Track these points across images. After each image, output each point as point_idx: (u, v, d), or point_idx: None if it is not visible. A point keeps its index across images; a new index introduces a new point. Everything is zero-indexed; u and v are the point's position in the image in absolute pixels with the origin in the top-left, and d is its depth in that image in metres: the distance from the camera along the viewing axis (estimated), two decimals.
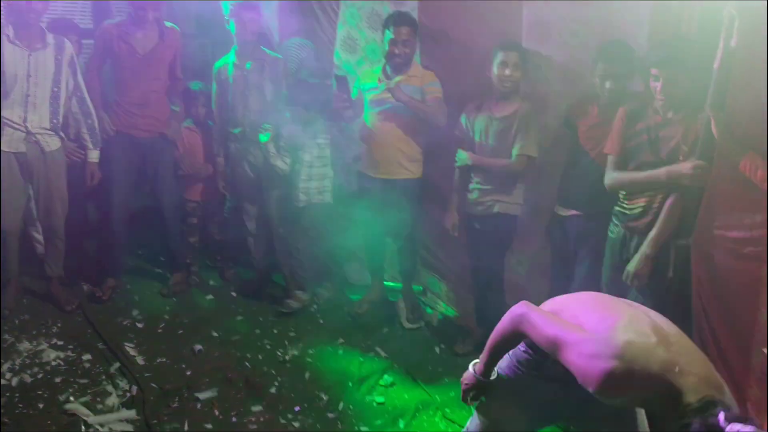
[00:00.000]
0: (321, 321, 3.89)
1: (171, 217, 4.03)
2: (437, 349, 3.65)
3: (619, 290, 2.73)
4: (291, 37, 4.17)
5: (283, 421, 2.96)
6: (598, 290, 2.95)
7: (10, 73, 3.30)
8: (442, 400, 3.18)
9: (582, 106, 3.05)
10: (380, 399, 3.16)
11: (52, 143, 3.50)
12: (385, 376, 3.33)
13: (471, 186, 3.41)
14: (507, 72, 3.15)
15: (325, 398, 3.14)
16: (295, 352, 3.53)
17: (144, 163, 3.89)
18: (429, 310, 4.02)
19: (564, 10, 3.06)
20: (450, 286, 3.98)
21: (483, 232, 3.41)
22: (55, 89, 3.44)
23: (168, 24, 3.81)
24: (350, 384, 3.26)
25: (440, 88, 3.52)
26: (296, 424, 2.95)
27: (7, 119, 3.36)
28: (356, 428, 2.94)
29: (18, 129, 3.39)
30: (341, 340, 3.67)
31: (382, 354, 3.56)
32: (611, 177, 2.75)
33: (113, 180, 3.83)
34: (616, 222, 2.81)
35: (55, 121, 3.48)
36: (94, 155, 3.67)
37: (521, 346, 1.82)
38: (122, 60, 3.70)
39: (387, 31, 3.50)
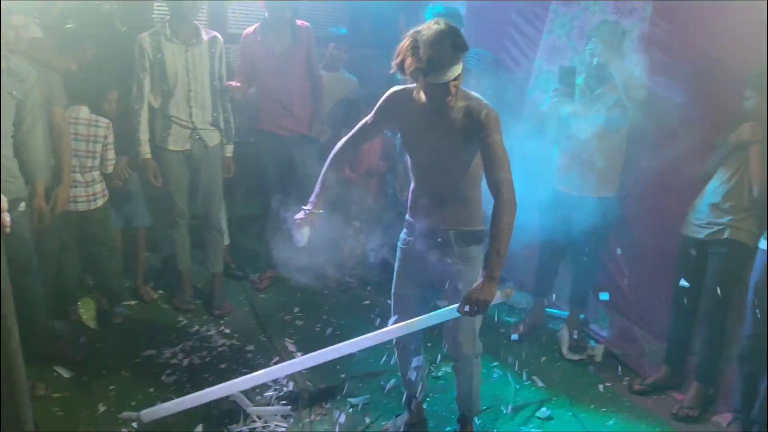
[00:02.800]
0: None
1: None
2: (601, 387, 3.37)
3: None
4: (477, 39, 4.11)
5: None
6: None
7: (171, 71, 3.41)
8: None
9: None
10: None
11: (214, 138, 3.63)
12: (543, 408, 3.13)
13: (699, 201, 3.05)
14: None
15: (477, 422, 3.01)
16: (448, 369, 3.43)
17: (289, 161, 3.95)
18: (593, 343, 3.73)
19: None
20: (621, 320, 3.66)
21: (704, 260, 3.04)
22: (214, 83, 3.55)
23: (298, 22, 3.87)
24: (504, 411, 3.10)
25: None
26: None
27: (174, 117, 3.49)
28: None
29: (185, 126, 3.51)
30: (495, 363, 3.51)
31: (539, 383, 3.35)
32: None
33: (260, 175, 3.99)
34: None
35: (215, 114, 3.59)
36: (229, 149, 3.72)
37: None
38: (261, 63, 3.82)
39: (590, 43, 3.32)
